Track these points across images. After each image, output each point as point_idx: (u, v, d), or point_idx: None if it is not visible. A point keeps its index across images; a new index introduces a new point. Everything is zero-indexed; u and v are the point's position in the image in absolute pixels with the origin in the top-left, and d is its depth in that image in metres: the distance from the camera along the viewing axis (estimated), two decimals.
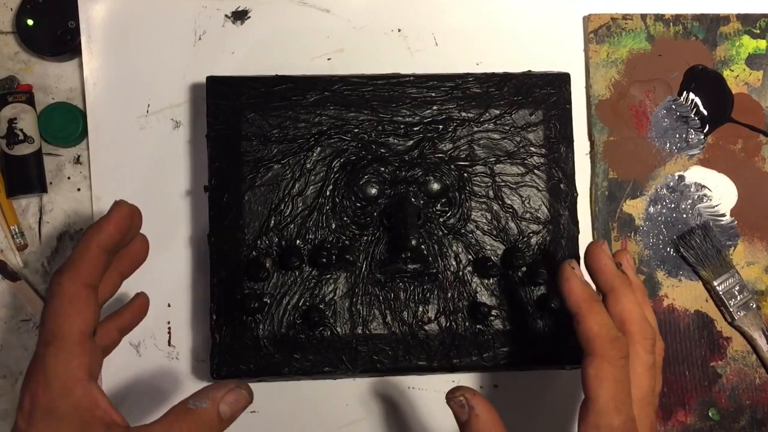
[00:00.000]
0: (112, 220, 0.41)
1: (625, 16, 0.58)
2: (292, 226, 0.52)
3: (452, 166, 0.53)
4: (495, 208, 0.53)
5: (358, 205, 0.52)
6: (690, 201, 0.58)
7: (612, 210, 0.57)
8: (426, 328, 0.52)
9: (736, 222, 0.58)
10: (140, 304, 0.48)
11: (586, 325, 0.43)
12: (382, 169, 0.52)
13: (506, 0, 0.59)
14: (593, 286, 0.46)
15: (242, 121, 0.52)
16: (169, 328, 0.55)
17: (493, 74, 0.54)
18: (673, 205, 0.58)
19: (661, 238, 0.57)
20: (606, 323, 0.43)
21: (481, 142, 0.54)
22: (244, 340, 0.51)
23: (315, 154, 0.53)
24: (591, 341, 0.42)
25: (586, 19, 0.58)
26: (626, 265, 0.47)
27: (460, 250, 0.53)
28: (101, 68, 0.56)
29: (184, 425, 0.38)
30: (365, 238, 0.52)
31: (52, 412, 0.37)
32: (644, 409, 0.43)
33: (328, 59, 0.58)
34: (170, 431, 0.38)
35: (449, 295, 0.52)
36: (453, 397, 0.42)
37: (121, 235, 0.41)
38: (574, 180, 0.54)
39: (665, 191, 0.58)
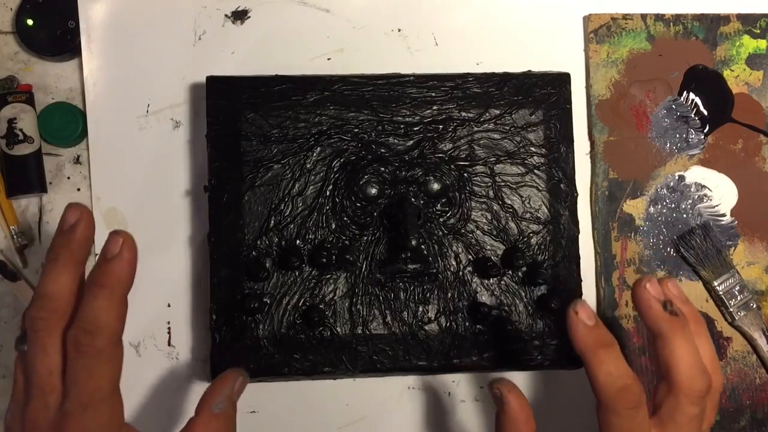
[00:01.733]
0: (125, 261, 0.38)
1: (625, 16, 0.58)
2: (292, 226, 0.52)
3: (452, 166, 0.53)
4: (495, 208, 0.53)
5: (358, 205, 0.52)
6: (690, 201, 0.58)
7: (612, 210, 0.57)
8: (426, 328, 0.52)
9: (736, 222, 0.58)
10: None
11: (590, 374, 0.41)
12: (382, 169, 0.52)
13: (506, 0, 0.59)
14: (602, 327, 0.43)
15: (242, 121, 0.52)
16: (169, 328, 0.55)
17: (493, 74, 0.54)
18: (673, 205, 0.58)
19: (661, 238, 0.57)
20: (611, 372, 0.41)
21: (481, 142, 0.54)
22: (244, 340, 0.51)
23: (315, 154, 0.53)
24: (596, 391, 0.41)
25: (586, 19, 0.58)
26: (677, 300, 0.45)
27: (460, 250, 0.53)
28: (101, 68, 0.56)
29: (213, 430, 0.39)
30: (365, 238, 0.52)
31: None
32: None
33: (328, 59, 0.57)
34: None
35: (449, 295, 0.52)
36: (492, 387, 0.43)
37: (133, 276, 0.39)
38: (574, 180, 0.54)
39: (665, 191, 0.58)
